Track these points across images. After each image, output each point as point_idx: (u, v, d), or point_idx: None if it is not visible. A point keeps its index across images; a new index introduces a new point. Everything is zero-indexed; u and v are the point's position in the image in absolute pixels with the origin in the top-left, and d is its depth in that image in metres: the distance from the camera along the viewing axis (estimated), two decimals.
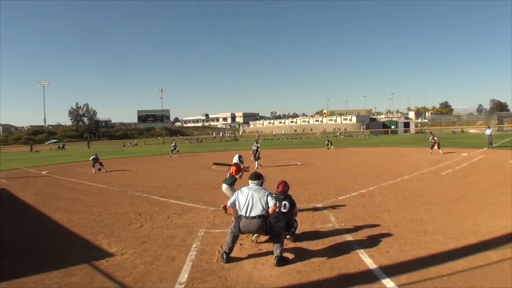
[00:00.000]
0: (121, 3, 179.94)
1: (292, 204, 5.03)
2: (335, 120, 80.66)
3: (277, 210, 4.80)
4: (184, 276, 3.84)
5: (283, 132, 64.07)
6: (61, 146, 44.88)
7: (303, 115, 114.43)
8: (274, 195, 4.58)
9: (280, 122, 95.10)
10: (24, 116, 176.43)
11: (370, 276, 3.67)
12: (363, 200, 7.44)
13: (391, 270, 3.76)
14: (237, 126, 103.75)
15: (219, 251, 4.53)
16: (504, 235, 4.78)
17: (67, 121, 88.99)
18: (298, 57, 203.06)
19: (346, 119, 79.21)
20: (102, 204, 8.08)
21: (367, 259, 4.09)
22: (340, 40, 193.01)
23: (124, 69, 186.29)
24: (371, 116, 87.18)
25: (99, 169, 15.19)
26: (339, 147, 26.77)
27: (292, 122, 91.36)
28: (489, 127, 22.48)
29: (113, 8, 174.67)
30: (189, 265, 4.15)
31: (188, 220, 6.31)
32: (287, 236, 4.83)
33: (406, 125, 57.95)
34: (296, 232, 5.16)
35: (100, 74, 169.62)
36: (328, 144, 25.38)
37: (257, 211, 4.20)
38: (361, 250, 4.41)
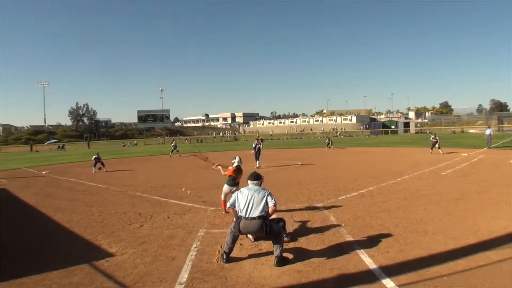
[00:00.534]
0: (121, 3, 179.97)
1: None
2: (335, 120, 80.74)
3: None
4: (184, 276, 3.84)
5: (286, 132, 64.09)
6: (61, 146, 44.94)
7: (303, 115, 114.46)
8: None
9: (280, 122, 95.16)
10: (24, 116, 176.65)
11: (370, 276, 3.67)
12: (363, 200, 7.44)
13: (391, 270, 3.76)
14: (237, 126, 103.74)
15: (219, 251, 4.53)
16: (504, 235, 4.78)
17: (67, 121, 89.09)
18: (298, 57, 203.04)
19: (346, 119, 79.29)
20: (102, 204, 8.08)
21: (367, 259, 4.09)
22: (340, 40, 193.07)
23: (124, 69, 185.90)
24: (371, 116, 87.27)
25: (100, 169, 15.19)
26: (339, 147, 26.78)
27: (292, 122, 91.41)
28: (489, 127, 22.51)
29: (113, 8, 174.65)
30: (189, 265, 4.14)
31: (188, 220, 6.31)
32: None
33: (406, 125, 57.94)
34: (296, 232, 5.17)
35: (100, 74, 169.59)
36: (328, 144, 25.36)
37: (257, 212, 4.19)
38: (361, 250, 4.40)
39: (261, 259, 4.27)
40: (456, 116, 71.03)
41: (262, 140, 16.22)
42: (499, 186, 8.44)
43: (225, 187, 6.55)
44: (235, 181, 6.47)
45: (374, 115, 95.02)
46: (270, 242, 4.33)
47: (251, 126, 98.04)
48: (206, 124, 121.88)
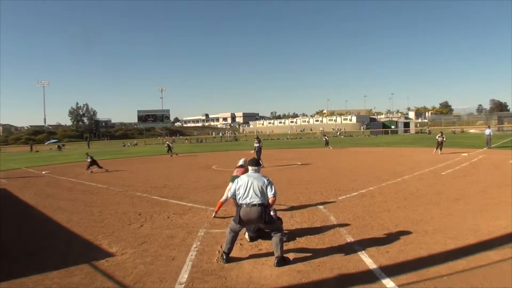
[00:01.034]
0: (121, 3, 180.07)
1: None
2: (335, 120, 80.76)
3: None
4: (184, 276, 3.84)
5: (289, 131, 64.12)
6: (60, 145, 44.94)
7: (303, 115, 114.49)
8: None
9: (280, 122, 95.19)
10: (24, 116, 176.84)
11: (370, 276, 3.67)
12: (363, 200, 7.43)
13: (391, 270, 3.75)
14: (237, 126, 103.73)
15: (219, 251, 4.53)
16: (504, 235, 4.77)
17: (67, 121, 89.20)
18: (298, 57, 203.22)
19: (346, 119, 79.32)
20: (102, 204, 8.08)
21: (367, 259, 4.08)
22: (340, 40, 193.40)
23: (124, 69, 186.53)
24: (371, 116, 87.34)
25: (92, 172, 14.75)
26: (339, 147, 26.79)
27: (292, 122, 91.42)
28: (488, 127, 22.50)
29: (113, 8, 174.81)
30: (189, 265, 4.14)
31: (188, 220, 6.31)
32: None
33: (406, 125, 57.96)
34: (296, 232, 5.16)
35: (100, 74, 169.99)
36: (326, 144, 25.21)
37: (257, 199, 4.15)
38: (361, 250, 4.40)
39: (261, 259, 4.26)
40: (456, 116, 71.08)
41: (260, 141, 16.20)
42: (499, 186, 8.44)
43: (231, 184, 6.47)
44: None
45: (374, 115, 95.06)
46: (270, 242, 4.31)
47: (251, 126, 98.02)
48: (206, 124, 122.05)
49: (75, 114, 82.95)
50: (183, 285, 3.62)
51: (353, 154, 20.27)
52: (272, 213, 4.54)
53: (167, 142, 25.43)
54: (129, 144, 50.75)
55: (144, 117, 71.54)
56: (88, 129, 79.62)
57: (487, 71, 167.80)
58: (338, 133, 59.46)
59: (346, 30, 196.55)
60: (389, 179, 10.00)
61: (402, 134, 49.89)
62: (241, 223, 4.24)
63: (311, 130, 69.20)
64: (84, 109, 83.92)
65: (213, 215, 6.39)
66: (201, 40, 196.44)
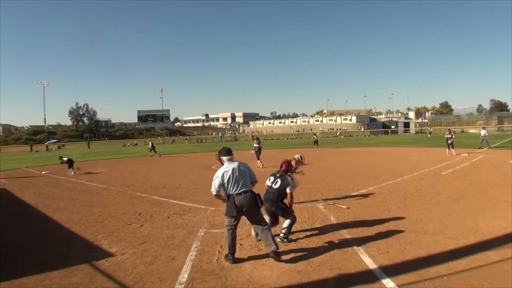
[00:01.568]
0: (121, 3, 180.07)
1: (284, 181, 4.95)
2: (335, 120, 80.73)
3: (269, 184, 5.04)
4: (184, 276, 3.84)
5: (291, 131, 64.16)
6: (47, 146, 45.08)
7: (303, 115, 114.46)
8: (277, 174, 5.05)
9: (280, 122, 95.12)
10: (24, 116, 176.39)
11: (370, 276, 3.67)
12: (363, 200, 7.43)
13: (391, 270, 3.76)
14: (237, 126, 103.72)
15: (219, 251, 4.53)
16: (504, 235, 4.77)
17: (67, 121, 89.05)
18: (298, 57, 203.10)
19: (346, 119, 79.26)
20: (102, 204, 8.08)
21: (367, 259, 4.09)
22: (340, 40, 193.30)
23: (124, 69, 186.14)
24: (371, 116, 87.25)
25: (75, 172, 14.61)
26: (339, 147, 26.78)
27: (292, 122, 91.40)
28: (483, 128, 22.33)
29: (113, 8, 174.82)
30: (189, 265, 4.14)
31: (188, 220, 6.31)
32: (279, 238, 4.69)
33: (406, 125, 57.99)
34: (296, 232, 5.15)
35: (100, 74, 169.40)
36: (314, 143, 24.94)
37: (246, 185, 4.20)
38: (361, 250, 4.40)
39: (261, 259, 4.27)
40: (456, 116, 71.11)
41: (259, 141, 16.17)
42: (499, 186, 8.44)
43: None
44: None
45: (374, 115, 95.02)
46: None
47: (251, 126, 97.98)
48: (206, 124, 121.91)
49: (75, 114, 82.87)
50: (183, 285, 3.63)
51: (353, 154, 20.26)
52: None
53: (150, 142, 25.47)
54: (129, 144, 50.79)
55: (144, 117, 71.58)
56: (88, 129, 79.51)
57: (487, 71, 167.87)
58: (338, 133, 59.49)
59: (346, 30, 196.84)
60: (389, 179, 10.00)
61: (402, 134, 49.93)
62: (238, 211, 4.17)
63: (311, 130, 69.22)
64: (84, 109, 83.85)
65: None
66: (201, 40, 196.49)
